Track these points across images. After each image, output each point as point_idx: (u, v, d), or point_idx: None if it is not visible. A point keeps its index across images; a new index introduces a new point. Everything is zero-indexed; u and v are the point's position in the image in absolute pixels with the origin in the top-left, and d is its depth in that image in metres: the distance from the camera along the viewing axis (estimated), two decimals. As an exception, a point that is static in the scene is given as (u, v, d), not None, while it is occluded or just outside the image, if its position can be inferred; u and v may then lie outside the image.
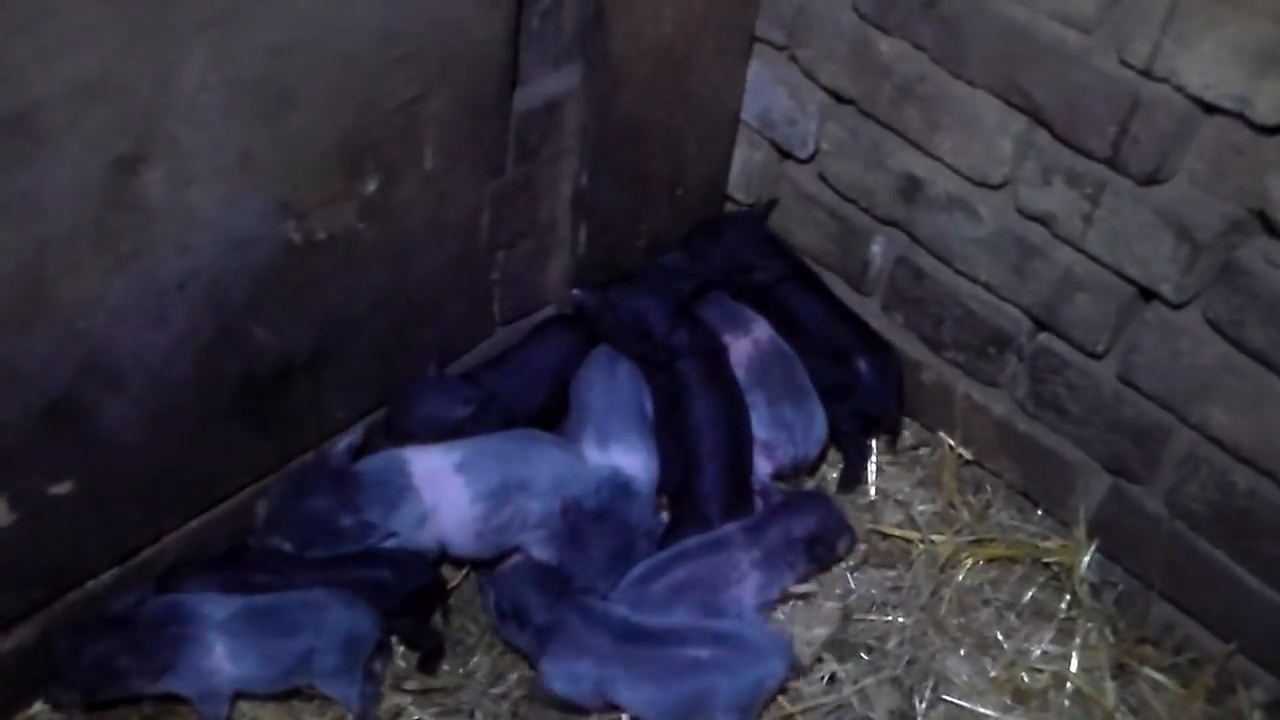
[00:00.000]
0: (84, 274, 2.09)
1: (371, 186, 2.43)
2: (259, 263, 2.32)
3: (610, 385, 2.85)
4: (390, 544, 2.54)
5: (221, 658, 2.37)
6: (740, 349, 2.94)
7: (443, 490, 2.57)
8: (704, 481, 2.72)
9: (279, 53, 2.14)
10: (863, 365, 2.92)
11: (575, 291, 2.92)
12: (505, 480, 2.59)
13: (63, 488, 2.26)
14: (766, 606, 2.66)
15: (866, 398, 2.93)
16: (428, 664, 2.56)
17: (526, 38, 2.56)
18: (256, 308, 2.36)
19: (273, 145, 2.23)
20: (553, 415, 2.87)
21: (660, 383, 2.87)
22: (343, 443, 2.60)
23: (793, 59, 2.98)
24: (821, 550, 2.71)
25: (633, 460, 2.73)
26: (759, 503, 2.77)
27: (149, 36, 1.95)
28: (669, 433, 2.81)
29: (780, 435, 2.86)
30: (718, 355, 2.90)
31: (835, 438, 2.96)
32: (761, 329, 2.99)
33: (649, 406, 2.86)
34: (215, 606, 2.41)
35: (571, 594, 2.50)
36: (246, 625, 2.40)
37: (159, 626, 2.36)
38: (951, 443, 2.98)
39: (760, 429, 2.85)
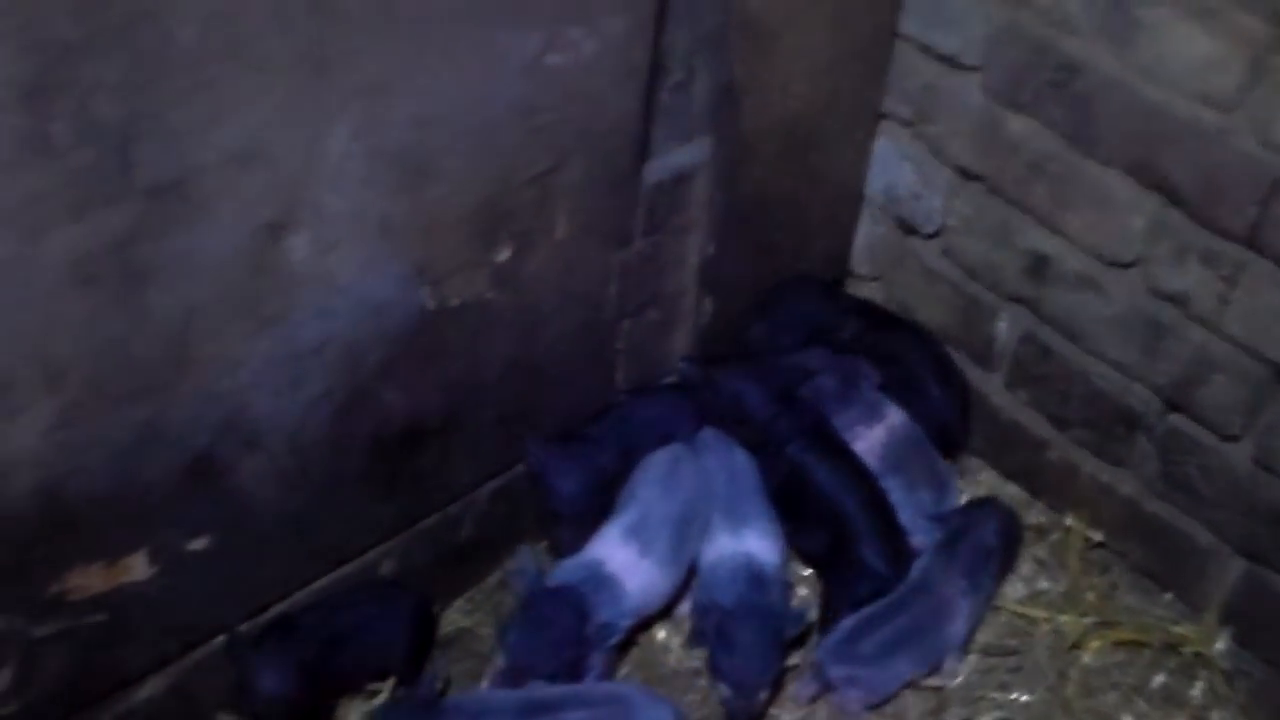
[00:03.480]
0: (228, 336, 2.15)
1: (504, 255, 2.47)
2: (393, 328, 2.37)
3: (731, 468, 2.82)
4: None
5: None
6: (874, 436, 2.91)
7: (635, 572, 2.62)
8: (862, 544, 2.70)
9: (422, 124, 2.20)
10: (935, 390, 2.98)
11: (681, 364, 2.94)
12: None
13: (199, 543, 2.31)
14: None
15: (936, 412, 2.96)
16: None
17: (658, 112, 2.60)
18: (389, 372, 2.41)
19: (411, 213, 2.28)
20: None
21: (768, 467, 2.84)
22: None
23: (919, 135, 2.99)
24: (1012, 549, 2.75)
25: (766, 545, 2.70)
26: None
27: (300, 107, 2.02)
28: (796, 516, 2.79)
29: (919, 522, 2.83)
30: (824, 431, 2.88)
31: None
32: (895, 414, 2.95)
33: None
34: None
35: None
36: None
37: None
38: (1077, 522, 2.94)
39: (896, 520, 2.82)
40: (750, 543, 2.69)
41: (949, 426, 3.01)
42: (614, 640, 2.57)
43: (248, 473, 2.31)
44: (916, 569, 2.71)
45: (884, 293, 3.23)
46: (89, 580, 2.21)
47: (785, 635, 2.59)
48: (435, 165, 2.26)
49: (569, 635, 2.50)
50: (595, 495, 2.73)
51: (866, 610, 2.64)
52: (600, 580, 2.57)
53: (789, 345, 3.00)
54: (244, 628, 2.46)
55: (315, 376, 2.30)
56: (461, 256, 2.41)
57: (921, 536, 2.81)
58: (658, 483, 2.72)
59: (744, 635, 2.53)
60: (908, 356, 3.04)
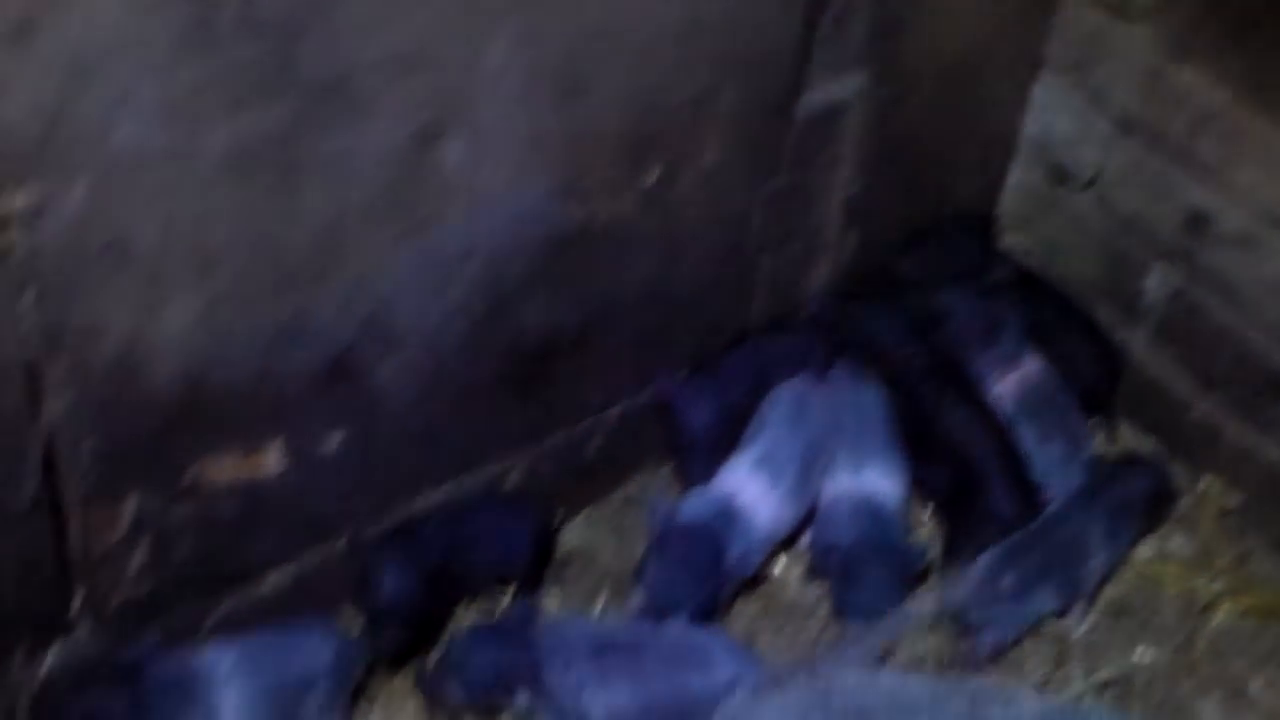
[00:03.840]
0: (376, 238, 2.16)
1: (652, 177, 2.45)
2: (538, 242, 2.37)
3: (859, 403, 2.80)
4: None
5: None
6: (1011, 382, 2.86)
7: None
8: (992, 490, 2.67)
9: (581, 39, 2.18)
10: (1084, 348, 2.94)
11: (816, 299, 2.92)
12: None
13: (334, 441, 2.34)
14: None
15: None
16: None
17: (816, 42, 2.55)
18: (531, 285, 2.41)
19: (563, 129, 2.27)
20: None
21: (899, 405, 2.82)
22: None
23: (1081, 83, 2.91)
24: (1158, 511, 2.71)
25: (887, 482, 2.68)
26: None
27: (463, 15, 2.01)
28: (924, 457, 2.77)
29: (1051, 472, 2.77)
30: (958, 373, 2.85)
31: None
32: (1033, 363, 2.89)
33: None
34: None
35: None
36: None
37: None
38: (1214, 485, 2.89)
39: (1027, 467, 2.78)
40: (872, 480, 2.68)
41: (1097, 387, 2.95)
42: (749, 574, 2.57)
43: (385, 374, 2.33)
44: (1055, 505, 2.69)
45: (1029, 241, 3.16)
46: (224, 469, 2.25)
47: (908, 571, 2.58)
48: (591, 82, 2.25)
49: (707, 570, 2.49)
50: (725, 427, 2.71)
51: (1002, 546, 2.60)
52: (732, 514, 2.56)
53: (935, 284, 2.96)
54: (370, 528, 2.50)
55: (458, 284, 2.31)
56: (610, 176, 2.39)
57: (1054, 487, 2.75)
58: (787, 416, 2.71)
59: (866, 572, 2.53)
60: (1058, 311, 2.99)
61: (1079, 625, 2.66)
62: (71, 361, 1.95)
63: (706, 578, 2.49)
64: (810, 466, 2.67)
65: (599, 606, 2.64)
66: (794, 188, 2.73)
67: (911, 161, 2.92)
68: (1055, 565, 2.61)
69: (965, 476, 2.72)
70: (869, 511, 2.63)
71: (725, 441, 2.71)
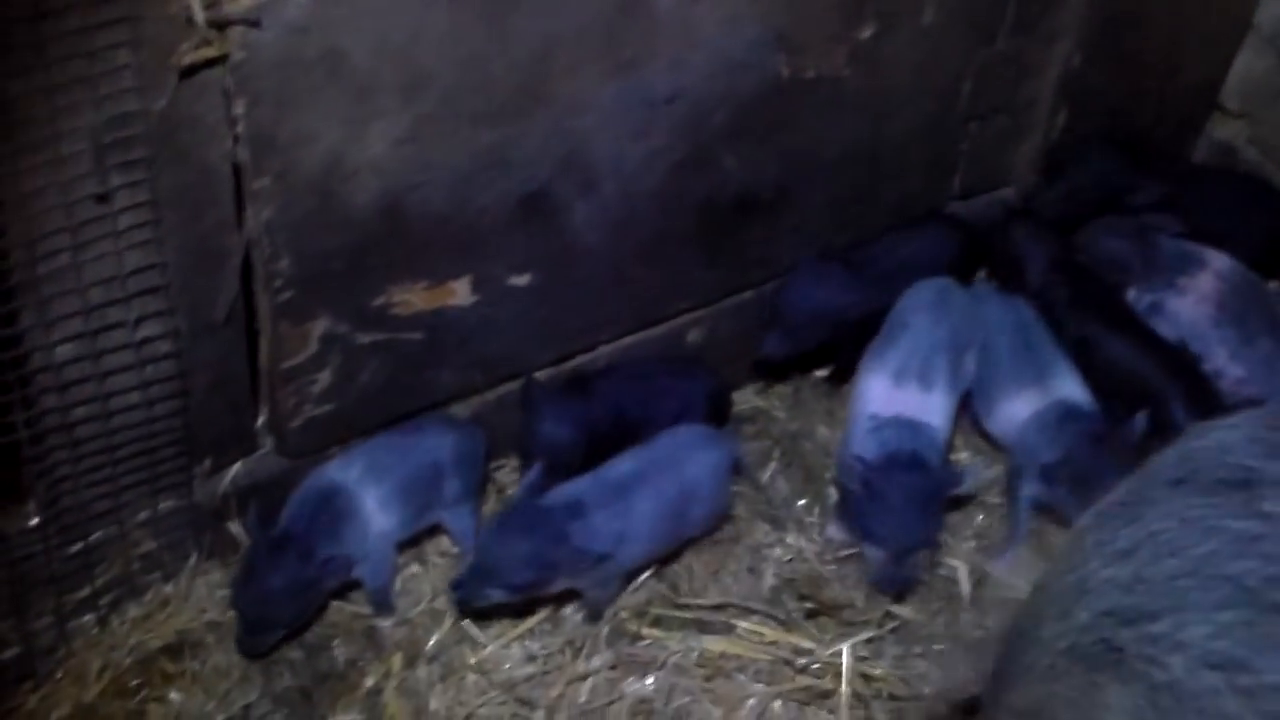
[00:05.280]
0: (583, 75, 2.12)
1: (867, 32, 2.36)
2: (745, 91, 2.31)
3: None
4: None
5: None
6: (1202, 287, 2.72)
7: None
8: (1172, 406, 2.52)
9: (809, -121, 2.10)
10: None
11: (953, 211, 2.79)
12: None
13: (522, 279, 2.32)
14: None
15: None
16: None
17: (1050, -97, 2.43)
18: (733, 135, 2.35)
19: (781, -26, 2.20)
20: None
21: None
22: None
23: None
24: None
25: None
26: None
27: None
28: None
29: (1258, 372, 2.65)
30: (1107, 300, 2.71)
31: None
32: (1220, 260, 2.75)
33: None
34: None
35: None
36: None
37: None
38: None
39: (1235, 366, 2.66)
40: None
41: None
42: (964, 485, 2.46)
43: (579, 215, 2.30)
44: None
45: (1249, 131, 3.00)
46: (413, 298, 2.25)
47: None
48: (814, -74, 2.17)
49: (924, 501, 2.37)
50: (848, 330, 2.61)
51: None
52: (913, 427, 2.44)
53: (1080, 216, 2.80)
54: (545, 374, 2.48)
55: (660, 128, 2.26)
56: (824, 28, 2.31)
57: (1263, 386, 2.63)
58: (928, 310, 2.59)
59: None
60: (1216, 196, 2.86)
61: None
62: (278, 171, 1.95)
63: (924, 508, 2.37)
64: (957, 361, 2.56)
65: (770, 470, 2.61)
66: (1010, 57, 2.62)
67: (1136, 39, 2.77)
68: None
69: (1144, 403, 2.54)
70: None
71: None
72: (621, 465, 2.38)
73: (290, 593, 2.23)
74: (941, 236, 2.76)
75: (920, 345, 2.53)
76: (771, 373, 2.72)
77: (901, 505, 2.33)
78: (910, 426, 2.44)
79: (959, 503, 2.55)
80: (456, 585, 2.27)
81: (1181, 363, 2.63)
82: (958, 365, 2.57)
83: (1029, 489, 2.48)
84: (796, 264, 2.59)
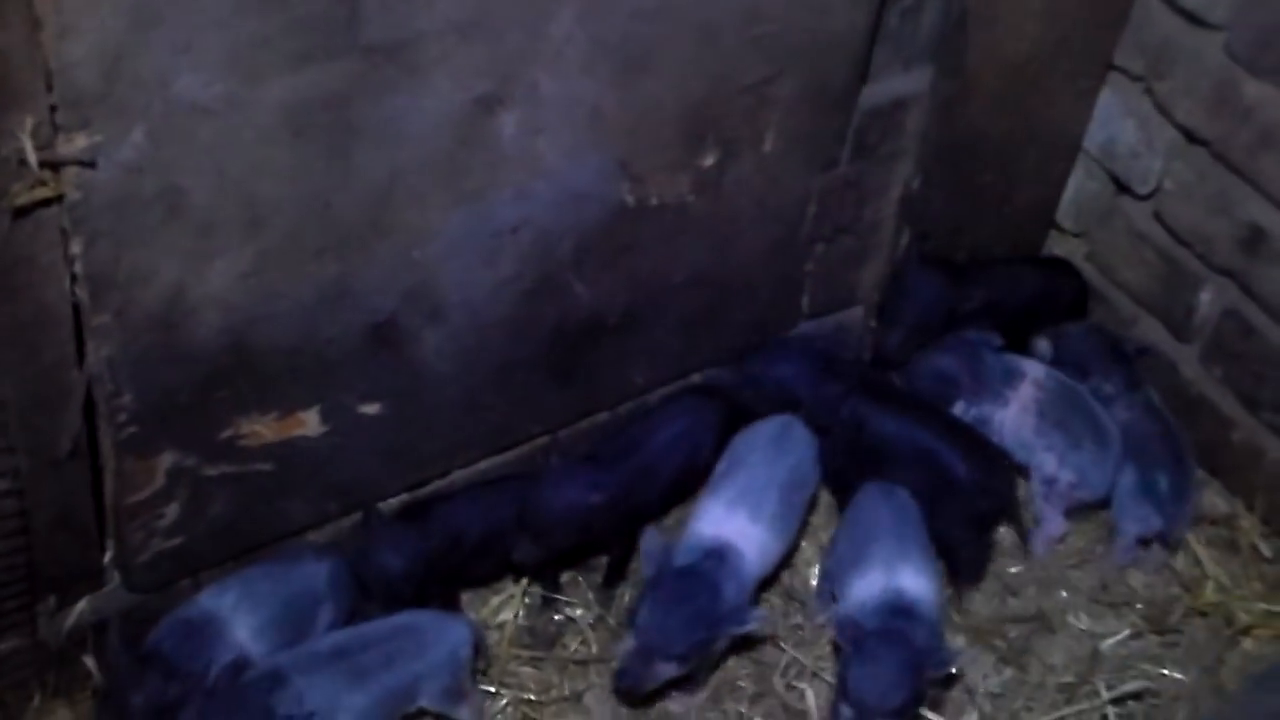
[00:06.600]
0: (428, 205, 2.15)
1: (709, 160, 2.42)
2: (590, 219, 2.35)
3: (894, 506, 2.63)
4: None
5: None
6: (1023, 397, 2.83)
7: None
8: (953, 466, 2.63)
9: (644, 17, 2.16)
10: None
11: (708, 372, 2.79)
12: None
13: (373, 408, 2.33)
14: None
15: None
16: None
17: (883, 35, 2.52)
18: (580, 262, 2.39)
19: (622, 106, 2.25)
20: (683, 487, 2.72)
21: (834, 438, 2.72)
22: None
23: (1148, 91, 2.86)
24: None
25: (920, 581, 2.51)
26: None
27: (528, -16, 2.00)
28: (879, 473, 2.67)
29: (1089, 475, 2.76)
30: (876, 381, 2.81)
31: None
32: (1036, 369, 2.87)
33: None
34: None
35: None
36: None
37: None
38: (1254, 508, 2.84)
39: (1066, 472, 2.76)
40: (904, 579, 2.50)
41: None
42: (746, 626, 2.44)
43: (428, 344, 2.31)
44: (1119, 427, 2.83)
45: (1085, 250, 3.12)
46: (262, 429, 2.24)
47: (925, 672, 2.39)
48: (653, 60, 2.22)
49: (702, 612, 2.39)
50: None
51: (1144, 461, 2.78)
52: (721, 554, 2.46)
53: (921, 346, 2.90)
54: (388, 503, 2.49)
55: (507, 257, 2.29)
56: (666, 156, 2.37)
57: (1094, 486, 2.77)
58: (763, 449, 2.63)
59: (881, 654, 2.36)
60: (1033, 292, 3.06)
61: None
62: (117, 308, 1.94)
63: (700, 620, 2.39)
64: (790, 498, 2.61)
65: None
66: (852, 181, 2.70)
67: (973, 162, 2.88)
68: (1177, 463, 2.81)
69: (927, 469, 2.64)
70: (899, 607, 2.45)
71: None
72: (339, 638, 2.36)
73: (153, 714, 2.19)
74: (696, 413, 2.71)
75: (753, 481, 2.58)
76: (534, 575, 2.61)
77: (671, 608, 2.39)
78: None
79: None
80: None
81: (953, 424, 2.73)
82: (791, 503, 2.62)
83: None
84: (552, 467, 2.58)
